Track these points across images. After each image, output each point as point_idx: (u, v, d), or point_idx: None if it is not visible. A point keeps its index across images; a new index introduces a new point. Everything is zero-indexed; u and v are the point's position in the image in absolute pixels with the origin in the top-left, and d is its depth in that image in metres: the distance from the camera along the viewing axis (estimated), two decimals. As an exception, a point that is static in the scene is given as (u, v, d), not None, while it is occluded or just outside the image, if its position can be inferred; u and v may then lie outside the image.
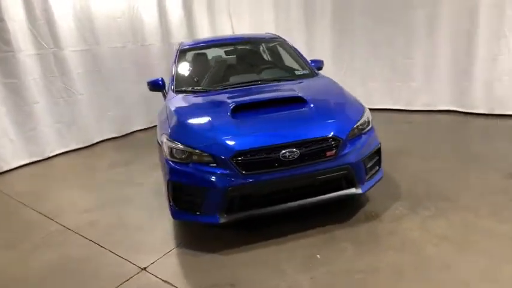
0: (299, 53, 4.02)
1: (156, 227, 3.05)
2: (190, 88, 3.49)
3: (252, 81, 3.46)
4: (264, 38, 4.35)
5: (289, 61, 3.95)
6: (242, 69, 3.88)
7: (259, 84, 3.41)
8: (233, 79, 3.64)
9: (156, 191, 3.61)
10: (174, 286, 2.31)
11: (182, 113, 2.98)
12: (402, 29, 5.38)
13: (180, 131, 2.73)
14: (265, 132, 2.56)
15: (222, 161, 2.46)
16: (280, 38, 4.28)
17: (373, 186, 2.82)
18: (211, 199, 2.50)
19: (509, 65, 4.68)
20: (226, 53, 4.24)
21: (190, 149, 2.55)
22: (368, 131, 2.79)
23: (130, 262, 2.60)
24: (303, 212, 2.83)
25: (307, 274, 2.27)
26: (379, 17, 5.52)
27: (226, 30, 7.35)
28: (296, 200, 2.59)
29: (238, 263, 2.47)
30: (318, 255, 2.43)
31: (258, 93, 3.17)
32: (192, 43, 4.32)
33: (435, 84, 5.35)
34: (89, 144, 5.61)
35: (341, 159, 2.58)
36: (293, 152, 2.47)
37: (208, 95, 3.31)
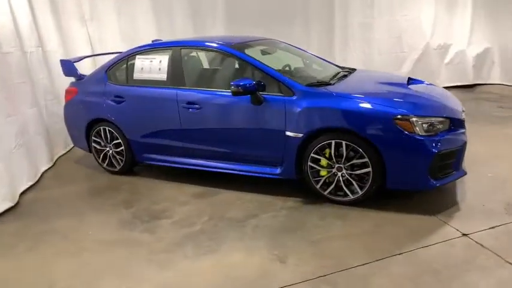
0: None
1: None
2: (317, 82, 3.34)
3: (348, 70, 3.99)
4: (271, 39, 4.38)
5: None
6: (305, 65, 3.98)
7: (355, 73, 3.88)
8: (318, 74, 3.74)
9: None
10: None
11: (388, 95, 3.20)
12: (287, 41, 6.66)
13: (420, 106, 2.97)
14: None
15: (458, 121, 3.01)
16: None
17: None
18: (460, 156, 2.98)
19: (352, 63, 7.13)
20: (263, 52, 3.94)
21: (440, 119, 2.89)
22: None
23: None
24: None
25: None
26: (267, 29, 6.48)
27: (78, 38, 5.68)
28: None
29: None
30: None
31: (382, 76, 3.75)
32: (237, 41, 3.71)
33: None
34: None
35: None
36: None
37: (351, 82, 3.49)
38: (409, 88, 3.34)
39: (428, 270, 2.33)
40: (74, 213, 3.51)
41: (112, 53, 4.92)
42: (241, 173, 3.52)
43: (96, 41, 5.82)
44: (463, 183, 3.38)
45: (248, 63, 3.39)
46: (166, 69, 3.75)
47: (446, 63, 7.01)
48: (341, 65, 4.41)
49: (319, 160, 3.14)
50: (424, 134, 2.81)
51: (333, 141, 3.02)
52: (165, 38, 6.00)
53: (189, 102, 3.56)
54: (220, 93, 3.48)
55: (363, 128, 2.90)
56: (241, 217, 3.15)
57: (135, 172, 4.29)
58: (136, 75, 3.93)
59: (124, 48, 5.82)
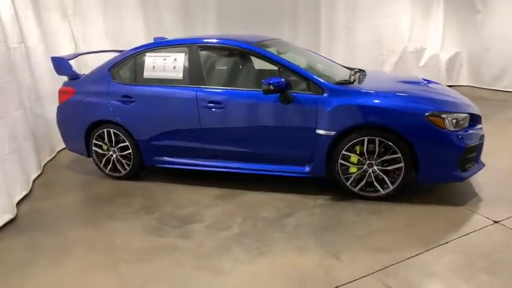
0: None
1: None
2: (343, 81, 3.39)
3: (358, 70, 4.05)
4: (280, 39, 4.37)
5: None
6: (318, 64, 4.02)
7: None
8: (333, 73, 3.77)
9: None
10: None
11: (415, 92, 3.34)
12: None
13: (446, 103, 3.16)
14: None
15: (477, 117, 3.22)
16: None
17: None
18: (480, 149, 3.20)
19: (339, 56, 7.24)
20: (277, 52, 3.91)
21: (464, 115, 3.09)
22: None
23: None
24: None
25: None
26: (256, 30, 6.46)
27: (60, 34, 5.23)
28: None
29: None
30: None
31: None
32: (258, 39, 3.69)
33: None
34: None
35: None
36: None
37: (372, 81, 3.57)
38: (429, 86, 3.53)
39: (478, 256, 2.48)
40: (88, 222, 3.25)
41: (110, 50, 4.66)
42: (268, 173, 3.47)
43: (80, 38, 5.42)
44: (474, 175, 3.63)
45: (275, 61, 3.37)
46: (182, 67, 3.61)
47: (421, 66, 7.49)
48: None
49: (350, 157, 3.20)
50: (453, 129, 2.99)
51: (366, 138, 3.10)
52: (153, 36, 5.77)
53: (211, 102, 3.45)
54: (245, 91, 3.43)
55: (398, 124, 3.00)
56: (276, 217, 3.11)
57: (141, 177, 4.05)
58: (147, 74, 3.73)
59: (109, 46, 5.52)
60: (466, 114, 3.12)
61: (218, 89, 3.50)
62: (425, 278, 2.32)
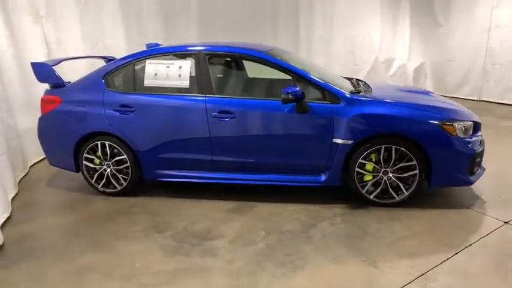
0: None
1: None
2: (355, 90, 3.42)
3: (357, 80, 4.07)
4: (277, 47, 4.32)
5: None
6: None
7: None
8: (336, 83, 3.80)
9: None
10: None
11: (425, 102, 3.44)
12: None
13: (454, 111, 3.30)
14: None
15: (478, 124, 3.42)
16: None
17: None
18: (483, 155, 3.39)
19: (317, 60, 7.40)
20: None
21: (469, 123, 3.25)
22: None
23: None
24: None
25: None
26: (238, 37, 6.40)
27: (30, 37, 4.73)
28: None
29: None
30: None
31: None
32: (266, 48, 3.59)
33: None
34: None
35: None
36: None
37: (380, 91, 3.67)
38: (433, 96, 3.69)
39: (506, 256, 2.61)
40: (94, 244, 2.93)
41: (97, 56, 4.34)
42: (283, 183, 3.40)
43: (53, 41, 4.95)
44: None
45: (289, 70, 3.32)
46: (188, 75, 3.43)
47: (391, 75, 7.91)
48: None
49: (365, 165, 3.24)
50: (462, 136, 3.15)
51: (383, 146, 3.16)
52: (133, 40, 5.47)
53: (221, 112, 3.31)
54: (258, 101, 3.34)
55: (415, 133, 3.09)
56: (299, 229, 3.04)
57: (137, 192, 3.75)
58: (148, 82, 3.49)
59: (85, 50, 5.14)
60: (471, 122, 3.31)
61: (229, 98, 3.38)
62: (464, 281, 2.38)
